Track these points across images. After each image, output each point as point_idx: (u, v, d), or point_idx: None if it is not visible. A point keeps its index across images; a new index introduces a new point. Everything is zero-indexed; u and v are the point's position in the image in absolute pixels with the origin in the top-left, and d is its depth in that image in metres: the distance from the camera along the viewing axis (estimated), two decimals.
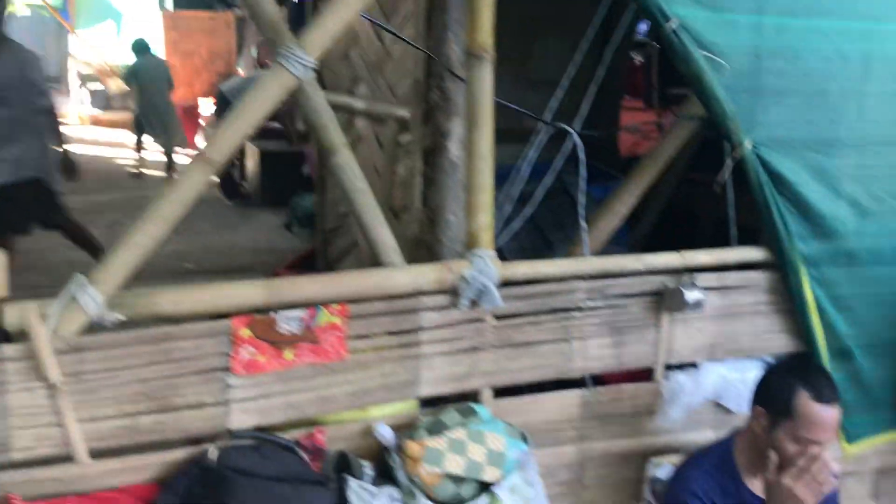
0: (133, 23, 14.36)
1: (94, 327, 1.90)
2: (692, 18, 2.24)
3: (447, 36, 2.35)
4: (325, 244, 3.62)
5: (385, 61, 2.75)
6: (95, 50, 14.22)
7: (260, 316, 2.01)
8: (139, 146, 9.61)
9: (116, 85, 13.73)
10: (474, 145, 2.20)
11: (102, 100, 13.67)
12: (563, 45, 3.96)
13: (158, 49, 13.38)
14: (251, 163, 8.55)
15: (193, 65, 13.21)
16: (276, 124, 9.26)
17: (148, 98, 9.17)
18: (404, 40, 2.34)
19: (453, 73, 2.33)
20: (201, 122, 11.44)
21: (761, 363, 2.57)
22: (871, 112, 2.52)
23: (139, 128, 9.41)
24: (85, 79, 13.97)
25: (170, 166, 9.39)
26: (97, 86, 13.78)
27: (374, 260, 2.31)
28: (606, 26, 4.11)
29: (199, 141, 11.29)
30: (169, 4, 13.15)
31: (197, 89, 13.04)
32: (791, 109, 2.42)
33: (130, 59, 9.83)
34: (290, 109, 8.49)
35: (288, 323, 2.03)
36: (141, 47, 9.50)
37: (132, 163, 9.88)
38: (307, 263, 4.95)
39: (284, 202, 7.82)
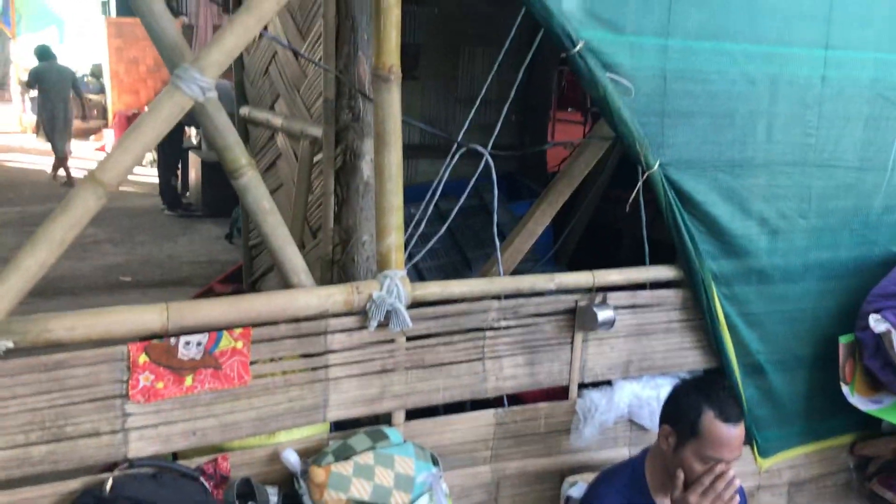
0: (75, 29, 14.09)
1: None
2: (598, 41, 2.25)
3: (357, 56, 2.33)
4: (249, 259, 3.57)
5: (300, 79, 2.73)
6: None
7: (157, 341, 1.97)
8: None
9: None
10: (383, 166, 2.18)
11: None
12: (490, 63, 4.00)
13: (102, 56, 13.15)
14: (193, 173, 8.43)
15: (139, 72, 12.99)
16: None
17: (49, 103, 9.59)
18: (310, 60, 2.32)
19: (363, 93, 2.32)
20: None
21: (675, 380, 2.59)
22: (778, 133, 2.57)
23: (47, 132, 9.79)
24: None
25: (62, 168, 9.71)
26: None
27: (285, 281, 2.28)
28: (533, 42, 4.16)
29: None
30: (112, 11, 12.90)
31: (143, 97, 12.83)
32: (699, 131, 2.45)
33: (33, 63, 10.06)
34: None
35: (187, 348, 1.99)
36: (43, 53, 9.83)
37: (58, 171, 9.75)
38: (240, 277, 4.89)
39: (227, 212, 7.72)
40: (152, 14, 2.01)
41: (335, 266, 2.48)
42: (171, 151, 8.28)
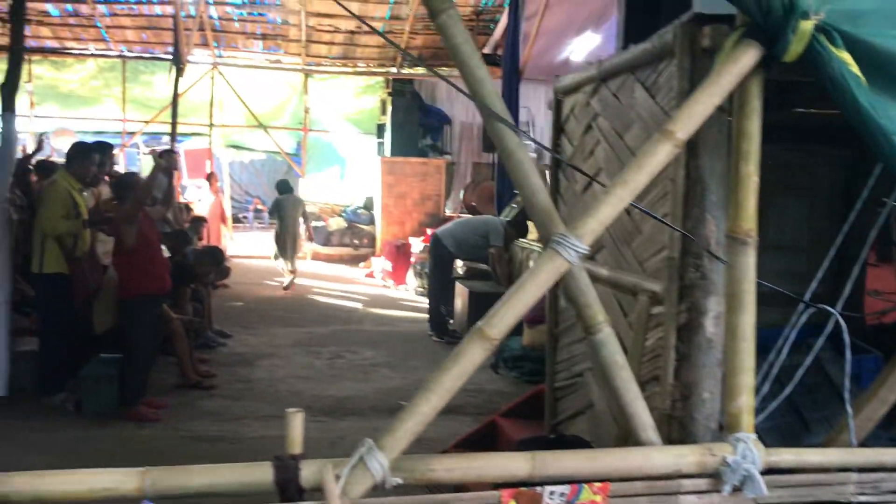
0: (354, 168, 15.78)
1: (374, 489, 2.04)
2: None
3: (706, 217, 2.41)
4: (553, 401, 3.67)
5: (633, 235, 2.85)
6: (320, 191, 15.68)
7: (526, 489, 2.07)
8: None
9: (336, 223, 14.98)
10: (736, 327, 2.21)
11: (323, 236, 14.90)
12: (801, 209, 3.92)
13: (374, 191, 14.56)
14: (459, 302, 8.89)
15: (405, 205, 14.18)
16: (484, 266, 9.66)
17: (285, 227, 11.61)
18: (664, 223, 2.43)
19: (712, 253, 2.38)
20: (412, 259, 12.14)
21: None
22: None
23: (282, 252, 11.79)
24: (309, 217, 15.37)
25: (291, 282, 11.66)
26: (319, 223, 15.08)
27: (624, 434, 2.32)
28: (846, 186, 4.03)
29: (409, 277, 11.95)
30: (387, 151, 14.32)
31: (407, 228, 13.93)
32: None
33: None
34: (499, 254, 8.85)
35: (552, 498, 2.08)
36: (284, 187, 12.09)
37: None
38: (525, 411, 4.99)
39: None
40: (530, 186, 2.24)
41: (673, 422, 2.49)
42: (442, 281, 8.83)
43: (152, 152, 5.93)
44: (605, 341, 2.27)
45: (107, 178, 7.36)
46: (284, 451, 2.04)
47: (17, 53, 6.02)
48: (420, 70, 15.67)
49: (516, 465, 2.09)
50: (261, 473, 2.02)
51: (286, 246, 11.65)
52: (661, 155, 2.11)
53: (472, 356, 2.06)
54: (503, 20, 12.25)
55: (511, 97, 10.96)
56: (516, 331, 7.45)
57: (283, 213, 11.63)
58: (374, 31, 3.16)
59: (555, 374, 3.65)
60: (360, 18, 2.76)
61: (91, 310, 5.94)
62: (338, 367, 7.46)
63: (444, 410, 6.94)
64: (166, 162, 5.62)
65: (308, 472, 2.01)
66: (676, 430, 2.49)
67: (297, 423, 2.09)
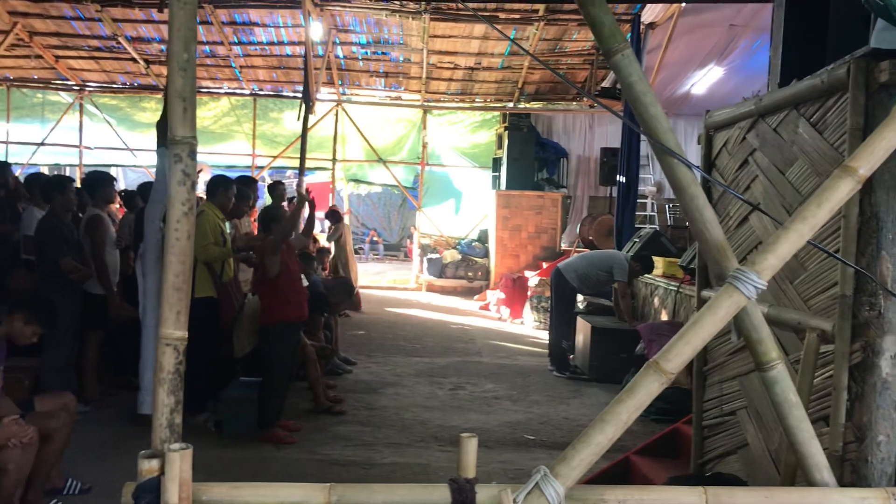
0: (470, 201, 15.98)
1: None
2: None
3: (881, 254, 2.36)
4: (700, 440, 3.61)
5: (797, 271, 2.80)
6: (436, 224, 15.96)
7: None
8: None
9: (451, 255, 15.19)
10: None
11: (437, 268, 15.13)
12: None
13: (489, 223, 14.71)
14: (581, 337, 8.83)
15: (520, 238, 14.25)
16: (606, 301, 9.58)
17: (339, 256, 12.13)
18: (841, 260, 2.39)
19: (889, 290, 2.32)
20: (528, 293, 12.16)
21: None
22: None
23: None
24: (425, 249, 15.65)
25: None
26: (434, 255, 15.33)
27: (790, 475, 2.27)
28: None
29: (526, 311, 11.96)
30: (502, 185, 14.45)
31: (522, 261, 13.98)
32: None
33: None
34: (623, 289, 8.77)
35: None
36: (337, 216, 12.62)
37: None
38: (659, 449, 4.92)
39: (613, 379, 7.92)
40: (703, 220, 2.25)
41: (846, 464, 2.42)
42: (564, 315, 8.80)
43: (298, 188, 6.22)
44: (779, 378, 2.24)
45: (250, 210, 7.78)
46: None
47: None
48: (536, 104, 15.80)
49: (690, 499, 2.09)
50: (438, 494, 2.09)
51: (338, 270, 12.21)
52: (842, 191, 2.09)
53: (647, 389, 2.08)
54: None
55: (632, 131, 10.90)
56: (641, 367, 7.33)
57: (342, 239, 12.25)
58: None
59: (702, 412, 3.59)
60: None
61: (232, 334, 6.26)
62: (460, 398, 7.54)
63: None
64: (302, 196, 5.89)
65: (484, 495, 2.07)
66: (848, 472, 2.42)
67: (470, 448, 2.15)
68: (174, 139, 1.96)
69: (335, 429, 6.28)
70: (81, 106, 15.85)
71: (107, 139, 15.99)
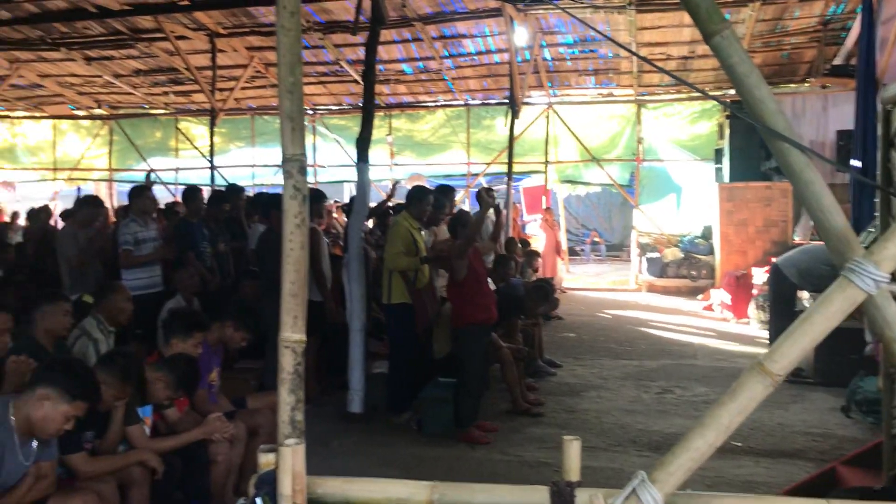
0: (691, 196, 15.29)
1: None
2: None
3: None
4: (892, 448, 3.21)
5: None
6: (655, 222, 15.46)
7: None
8: None
9: (672, 254, 14.63)
10: None
11: (658, 267, 14.64)
12: None
13: (713, 219, 13.95)
14: None
15: (747, 233, 13.36)
16: None
17: None
18: None
19: None
20: (753, 291, 11.40)
21: None
22: None
23: None
24: (644, 248, 15.21)
25: None
26: (654, 254, 14.86)
27: None
28: None
29: (751, 310, 11.22)
30: (725, 177, 13.67)
31: (750, 257, 13.10)
32: None
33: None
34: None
35: None
36: None
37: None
38: (872, 459, 4.43)
39: (840, 382, 7.21)
40: (821, 208, 2.05)
41: None
42: (784, 315, 8.16)
43: (479, 191, 6.37)
44: None
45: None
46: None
47: (369, 111, 6.91)
48: None
49: None
50: (538, 496, 2.09)
51: None
52: None
53: (750, 392, 1.94)
54: (855, 27, 11.11)
55: (867, 109, 9.84)
56: (871, 369, 6.59)
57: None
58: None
59: (893, 418, 3.20)
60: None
61: (431, 337, 6.55)
62: (666, 402, 7.27)
63: (786, 454, 6.47)
64: (487, 199, 6.00)
65: (582, 499, 2.05)
66: None
67: (573, 451, 2.13)
68: (285, 156, 2.13)
69: (531, 430, 6.34)
70: (314, 128, 17.33)
71: (338, 157, 17.34)
